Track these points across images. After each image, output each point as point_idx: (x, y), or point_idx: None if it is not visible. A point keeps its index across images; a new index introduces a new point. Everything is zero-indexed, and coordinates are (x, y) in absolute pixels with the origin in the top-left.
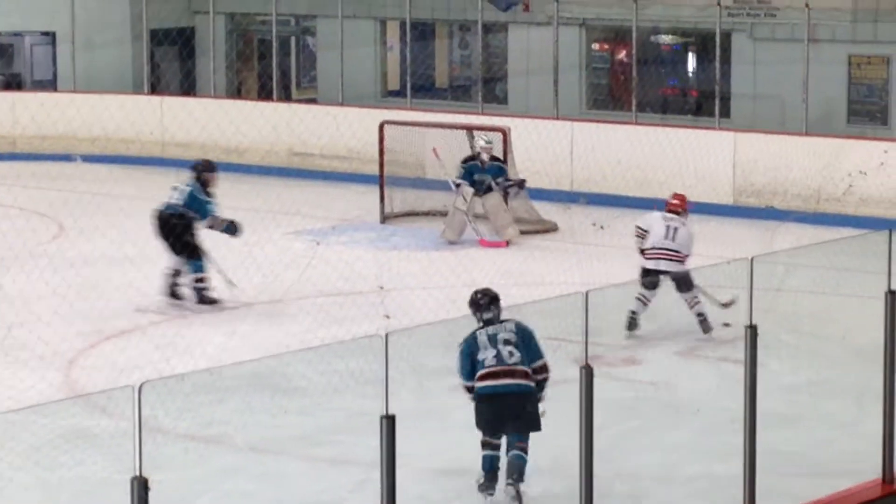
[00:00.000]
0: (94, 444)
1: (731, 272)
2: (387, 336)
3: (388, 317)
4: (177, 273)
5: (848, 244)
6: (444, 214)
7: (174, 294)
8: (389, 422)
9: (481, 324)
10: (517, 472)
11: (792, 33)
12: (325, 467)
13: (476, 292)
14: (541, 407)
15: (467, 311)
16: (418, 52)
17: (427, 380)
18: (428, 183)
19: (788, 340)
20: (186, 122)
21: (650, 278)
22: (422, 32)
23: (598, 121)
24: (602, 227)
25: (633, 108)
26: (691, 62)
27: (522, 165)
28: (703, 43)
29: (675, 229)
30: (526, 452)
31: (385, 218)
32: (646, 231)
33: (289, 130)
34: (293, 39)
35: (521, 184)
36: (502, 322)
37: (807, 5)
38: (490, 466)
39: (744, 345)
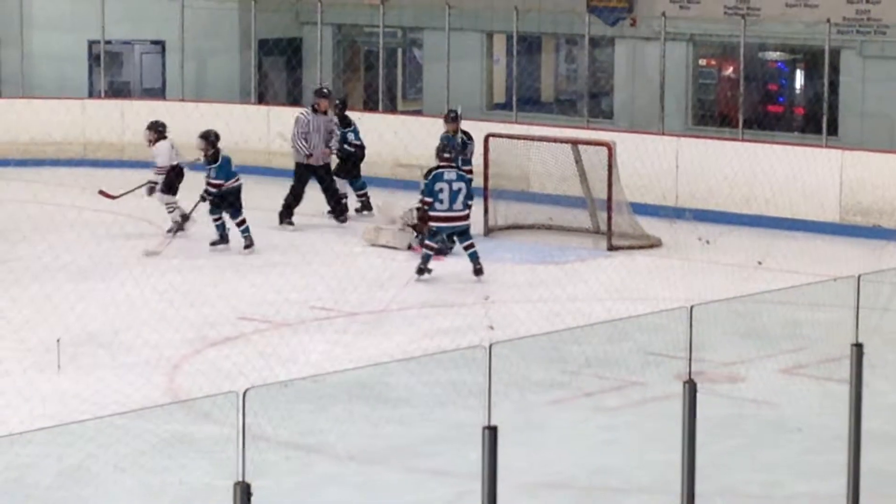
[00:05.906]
0: (197, 450)
1: (837, 290)
2: (490, 348)
3: (491, 328)
4: None
5: None
6: (548, 228)
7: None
8: (491, 433)
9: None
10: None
11: None
12: (425, 478)
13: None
14: None
15: (571, 323)
16: (525, 65)
17: (529, 392)
18: (533, 196)
19: (895, 360)
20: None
21: None
22: (528, 46)
23: (703, 137)
24: (708, 243)
25: (740, 124)
26: (799, 79)
27: (628, 180)
28: (812, 60)
29: None
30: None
31: (489, 230)
32: None
33: (395, 141)
34: (400, 51)
35: None
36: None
37: None
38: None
39: (849, 363)
